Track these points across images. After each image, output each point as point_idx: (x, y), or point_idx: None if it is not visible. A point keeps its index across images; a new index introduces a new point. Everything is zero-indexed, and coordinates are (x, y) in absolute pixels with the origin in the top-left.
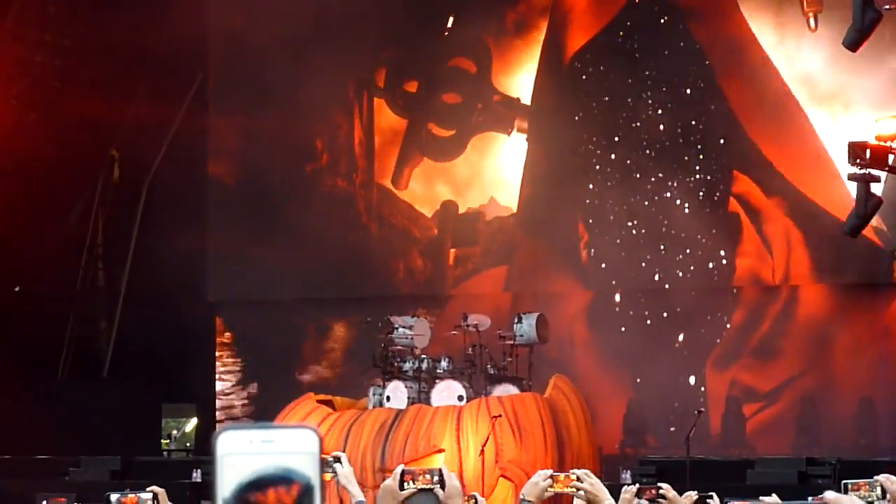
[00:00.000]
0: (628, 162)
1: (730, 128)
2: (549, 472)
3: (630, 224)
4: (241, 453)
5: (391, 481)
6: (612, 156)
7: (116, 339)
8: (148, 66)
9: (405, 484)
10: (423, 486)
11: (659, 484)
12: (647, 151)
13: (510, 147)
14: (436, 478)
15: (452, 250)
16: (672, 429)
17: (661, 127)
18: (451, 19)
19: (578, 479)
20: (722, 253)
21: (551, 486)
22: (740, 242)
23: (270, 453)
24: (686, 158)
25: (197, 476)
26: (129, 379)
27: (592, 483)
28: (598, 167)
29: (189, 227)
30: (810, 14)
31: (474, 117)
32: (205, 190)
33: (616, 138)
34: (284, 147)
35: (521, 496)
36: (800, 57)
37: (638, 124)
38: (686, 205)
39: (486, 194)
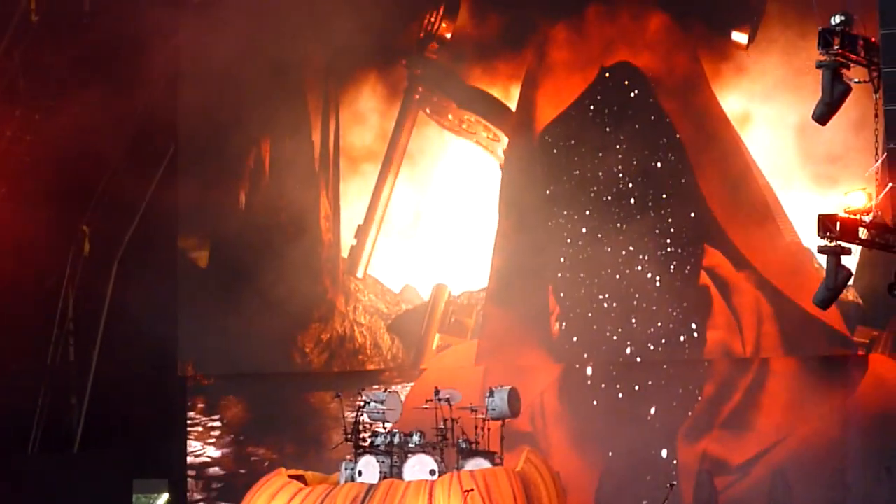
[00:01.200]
0: (599, 235)
1: (699, 202)
2: None
3: (601, 297)
4: None
5: None
6: (584, 229)
7: (87, 414)
8: (119, 140)
9: None
10: None
11: None
12: (618, 224)
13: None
14: None
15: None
16: (644, 502)
17: (633, 200)
18: (420, 89)
19: None
20: (693, 326)
21: None
22: (711, 315)
23: None
24: (657, 231)
25: None
26: (99, 453)
27: None
28: (568, 240)
29: (160, 301)
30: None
31: None
32: (175, 264)
33: (587, 211)
34: (255, 218)
35: None
36: (767, 132)
37: (609, 197)
38: (657, 278)
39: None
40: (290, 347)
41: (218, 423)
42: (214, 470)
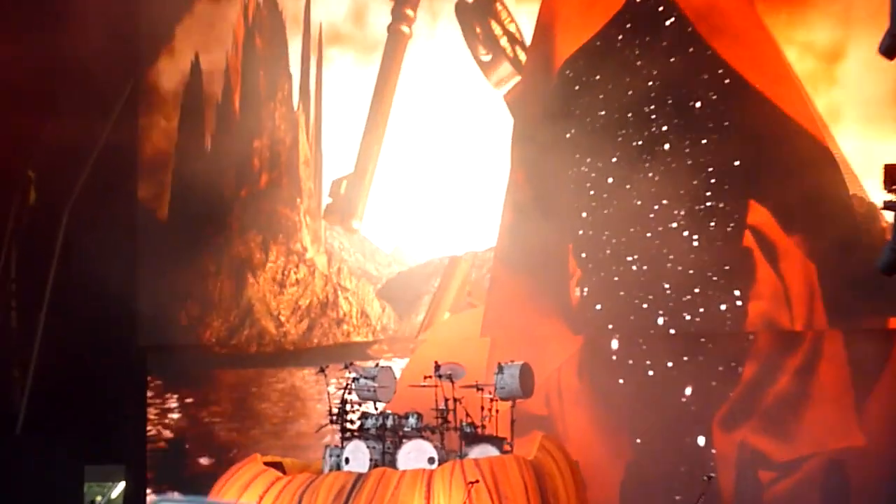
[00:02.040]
0: (628, 187)
1: (744, 149)
2: None
3: (629, 258)
4: None
5: None
6: (609, 179)
7: (32, 390)
8: (72, 75)
9: None
10: None
11: None
12: (650, 175)
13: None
14: None
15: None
16: (677, 497)
17: (667, 146)
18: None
19: None
20: (736, 293)
21: None
22: (755, 282)
23: None
24: (695, 182)
25: None
26: (46, 437)
27: None
28: (592, 192)
29: (116, 260)
30: None
31: None
32: (134, 216)
33: (613, 159)
34: (223, 163)
35: None
36: (830, 71)
37: (639, 143)
38: (695, 237)
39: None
40: (263, 315)
41: (176, 404)
42: (177, 455)
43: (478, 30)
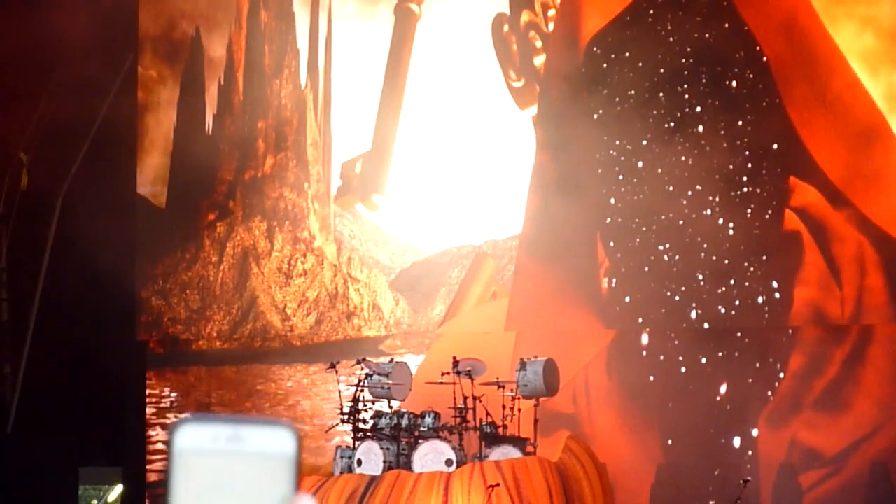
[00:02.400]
0: (659, 171)
1: (785, 130)
2: None
3: (661, 248)
4: (202, 452)
5: None
6: (640, 163)
7: (23, 387)
8: (67, 52)
9: None
10: None
11: None
12: (683, 158)
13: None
14: None
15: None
16: (711, 502)
17: (701, 128)
18: None
19: None
20: (775, 284)
21: None
22: (800, 269)
23: (238, 454)
24: (731, 167)
25: None
26: (38, 437)
27: None
28: (621, 177)
29: (114, 249)
30: None
31: None
32: (133, 203)
33: (644, 141)
34: (225, 145)
35: None
36: (876, 45)
37: (672, 124)
38: (731, 224)
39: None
40: (268, 308)
41: (182, 400)
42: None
43: (514, 47)
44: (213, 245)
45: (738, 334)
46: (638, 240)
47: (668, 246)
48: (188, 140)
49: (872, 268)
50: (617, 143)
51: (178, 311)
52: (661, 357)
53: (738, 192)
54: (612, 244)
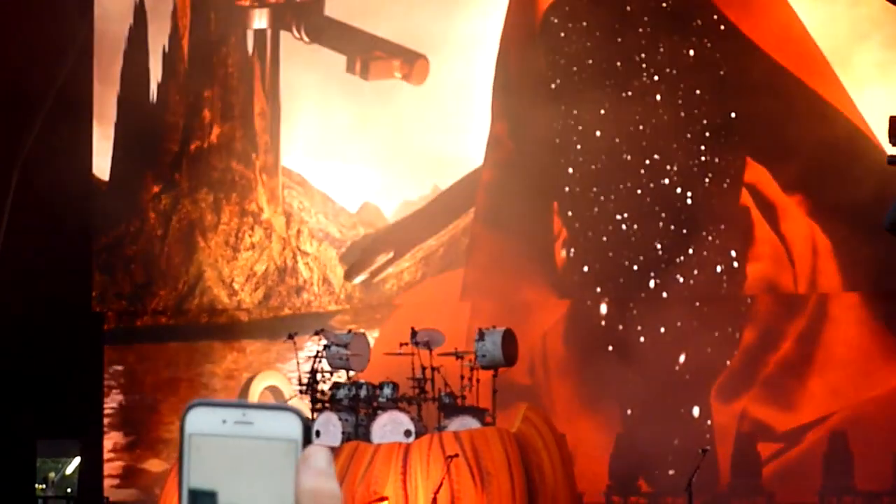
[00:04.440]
0: (617, 140)
1: (741, 100)
2: None
3: (618, 217)
4: (212, 434)
5: None
6: (598, 132)
7: None
8: (21, 17)
9: None
10: None
11: None
12: (641, 127)
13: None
14: None
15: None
16: (671, 472)
17: (658, 97)
18: None
19: None
20: (732, 253)
21: None
22: (753, 243)
23: (246, 437)
24: (689, 136)
25: None
26: None
27: None
28: (579, 146)
29: (68, 221)
30: None
31: None
32: (89, 170)
33: (602, 111)
34: (169, 115)
35: None
36: (836, 14)
37: (629, 93)
38: (689, 193)
39: (431, 181)
40: (215, 282)
41: (139, 371)
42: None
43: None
44: (158, 218)
45: (697, 304)
46: (596, 209)
47: (626, 215)
48: (132, 109)
49: (824, 251)
50: (575, 113)
51: (122, 285)
52: (620, 327)
53: (696, 163)
54: (569, 214)
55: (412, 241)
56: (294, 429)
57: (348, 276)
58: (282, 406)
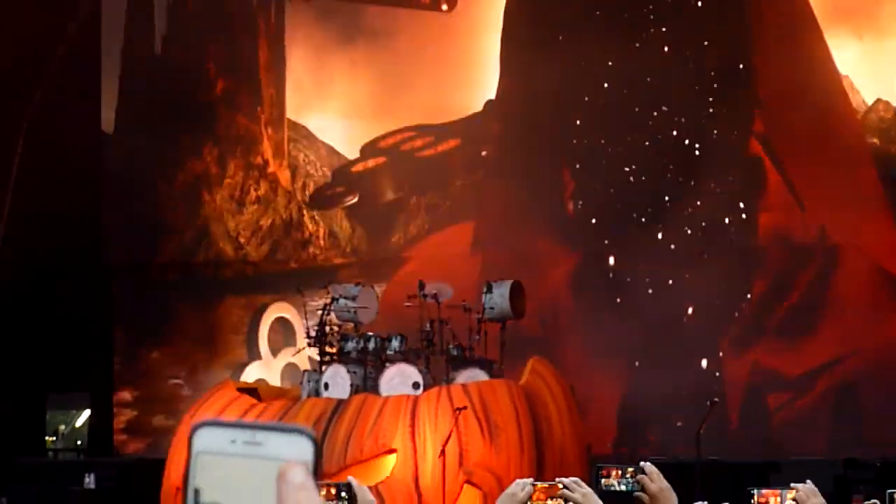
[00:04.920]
0: (625, 91)
1: (748, 46)
2: (530, 480)
3: (626, 169)
4: (220, 454)
5: None
6: (606, 84)
7: None
8: None
9: None
10: None
11: None
12: (648, 79)
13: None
14: (343, 493)
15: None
16: (679, 423)
17: (666, 48)
18: None
19: (566, 488)
20: (741, 205)
21: (532, 499)
22: (764, 192)
23: (255, 458)
24: (697, 88)
25: (90, 481)
26: (6, 361)
27: (584, 493)
28: (586, 98)
29: (78, 175)
30: None
31: None
32: (98, 129)
33: (609, 63)
34: (174, 69)
35: None
36: None
37: (638, 45)
38: (697, 145)
39: (439, 133)
40: (221, 236)
41: (148, 323)
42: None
43: None
44: (163, 172)
45: (705, 255)
46: (604, 161)
47: (633, 167)
48: (136, 62)
49: (835, 192)
50: (582, 65)
51: (130, 239)
52: (628, 279)
53: (705, 113)
54: (577, 166)
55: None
56: (305, 450)
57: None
58: (292, 428)
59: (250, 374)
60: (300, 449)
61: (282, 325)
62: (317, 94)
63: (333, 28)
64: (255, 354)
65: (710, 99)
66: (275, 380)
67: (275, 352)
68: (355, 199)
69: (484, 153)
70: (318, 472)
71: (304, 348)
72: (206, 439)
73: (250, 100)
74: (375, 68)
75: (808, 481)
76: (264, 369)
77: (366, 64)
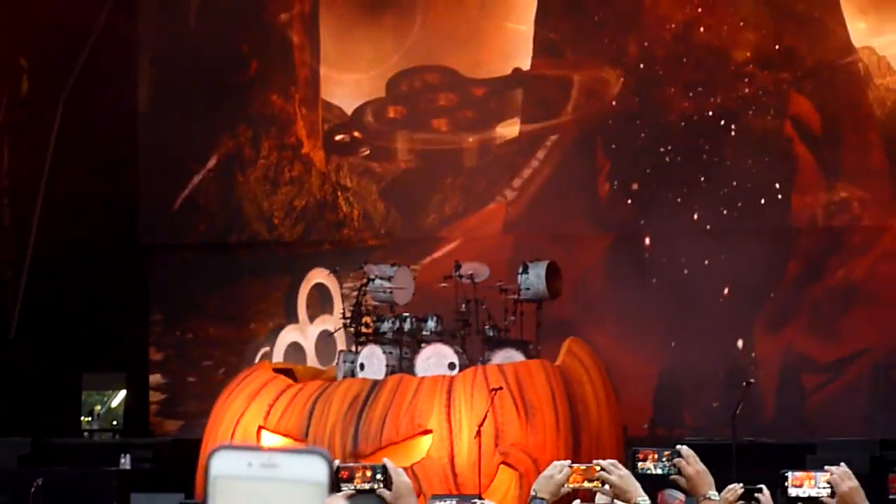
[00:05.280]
0: (660, 72)
1: (788, 31)
2: (567, 462)
3: (662, 149)
4: (237, 477)
5: None
6: (641, 65)
7: (26, 292)
8: None
9: (340, 484)
10: (362, 487)
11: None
12: (683, 59)
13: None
14: (378, 475)
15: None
16: (715, 404)
17: (702, 29)
18: None
19: (604, 470)
20: (777, 186)
21: (570, 481)
22: (799, 173)
23: (271, 480)
24: (732, 68)
25: (126, 462)
26: (41, 342)
27: (622, 475)
28: (621, 79)
29: (116, 154)
30: None
31: None
32: (135, 105)
33: (645, 43)
34: (207, 46)
35: (533, 492)
36: None
37: (672, 25)
38: (732, 126)
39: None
40: (254, 217)
41: (184, 304)
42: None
43: None
44: (194, 153)
45: (741, 236)
46: (639, 142)
47: (669, 147)
48: (169, 41)
49: (870, 183)
50: (616, 47)
51: (165, 220)
52: (664, 259)
53: (740, 94)
54: (612, 146)
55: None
56: (320, 472)
57: None
58: (308, 450)
59: (286, 338)
60: (315, 469)
61: (319, 291)
62: (349, 72)
63: (369, 8)
64: (292, 318)
65: (746, 80)
66: (309, 346)
67: (312, 318)
68: (368, 152)
69: (517, 132)
70: (334, 488)
71: (338, 330)
72: (223, 464)
73: (284, 80)
74: (410, 48)
75: (843, 464)
76: (299, 334)
77: (393, 39)
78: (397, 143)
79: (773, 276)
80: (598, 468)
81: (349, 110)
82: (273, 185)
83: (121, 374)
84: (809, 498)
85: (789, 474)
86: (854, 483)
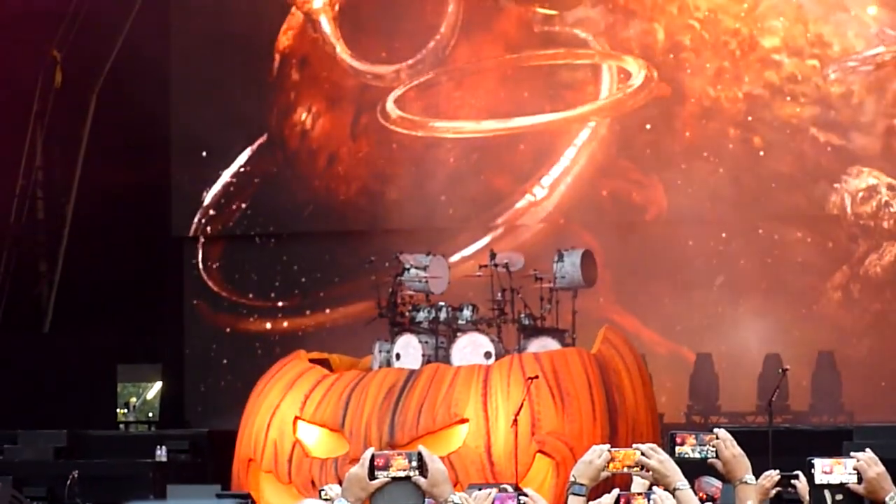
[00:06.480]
0: (687, 60)
1: (824, 23)
2: (607, 447)
3: (688, 134)
4: None
5: (359, 468)
6: (671, 55)
7: (60, 285)
8: None
9: (376, 472)
10: (398, 475)
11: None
12: (726, 63)
13: None
14: (414, 463)
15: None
16: (750, 392)
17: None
18: None
19: (644, 454)
20: (809, 173)
21: (609, 466)
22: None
23: None
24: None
25: (162, 454)
26: (76, 334)
27: (662, 460)
28: (656, 73)
29: (149, 145)
30: None
31: None
32: (167, 97)
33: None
34: (242, 38)
35: (572, 478)
36: None
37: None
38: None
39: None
40: (288, 206)
41: (218, 296)
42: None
43: None
44: (229, 142)
45: (775, 223)
46: (671, 129)
47: (697, 135)
48: (206, 32)
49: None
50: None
51: (202, 210)
52: (690, 243)
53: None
54: (646, 134)
55: None
56: None
57: None
58: None
59: None
60: None
61: None
62: (385, 63)
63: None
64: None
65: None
66: None
67: None
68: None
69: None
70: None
71: (374, 320)
72: None
73: (319, 66)
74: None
75: (868, 450)
76: None
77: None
78: (434, 132)
79: (806, 263)
80: (637, 453)
81: (389, 101)
82: (309, 174)
83: (156, 365)
84: (838, 484)
85: (816, 461)
86: (881, 469)
